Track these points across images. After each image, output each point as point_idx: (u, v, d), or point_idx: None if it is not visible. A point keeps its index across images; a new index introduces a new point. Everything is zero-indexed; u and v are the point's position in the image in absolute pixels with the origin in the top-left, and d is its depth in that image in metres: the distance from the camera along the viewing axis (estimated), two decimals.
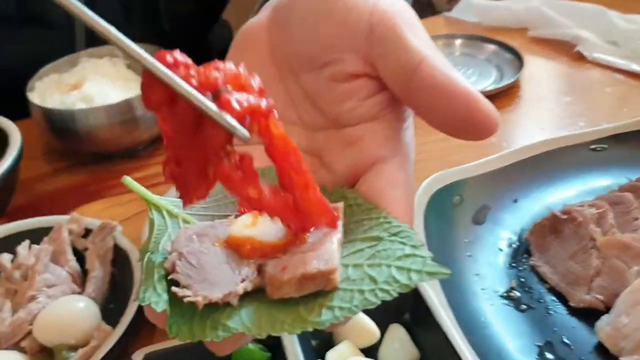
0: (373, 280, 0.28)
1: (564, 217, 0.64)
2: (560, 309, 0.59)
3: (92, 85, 0.83)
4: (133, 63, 0.25)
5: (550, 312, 0.59)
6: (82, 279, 0.61)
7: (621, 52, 0.98)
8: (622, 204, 0.64)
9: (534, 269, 0.63)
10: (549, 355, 0.54)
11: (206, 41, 1.14)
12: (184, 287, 0.30)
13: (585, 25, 1.04)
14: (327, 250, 0.29)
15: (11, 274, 0.58)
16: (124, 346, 0.53)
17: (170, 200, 0.37)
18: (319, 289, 0.29)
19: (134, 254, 0.60)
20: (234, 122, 0.25)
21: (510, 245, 0.66)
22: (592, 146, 0.75)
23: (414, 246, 0.29)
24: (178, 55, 0.25)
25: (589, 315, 0.57)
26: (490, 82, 0.95)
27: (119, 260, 0.61)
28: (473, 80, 0.96)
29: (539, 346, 0.55)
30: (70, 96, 0.82)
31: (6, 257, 0.61)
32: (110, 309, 0.59)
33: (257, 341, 0.52)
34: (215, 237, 0.32)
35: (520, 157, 0.73)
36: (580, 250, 0.61)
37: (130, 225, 0.67)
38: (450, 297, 0.58)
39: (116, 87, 0.84)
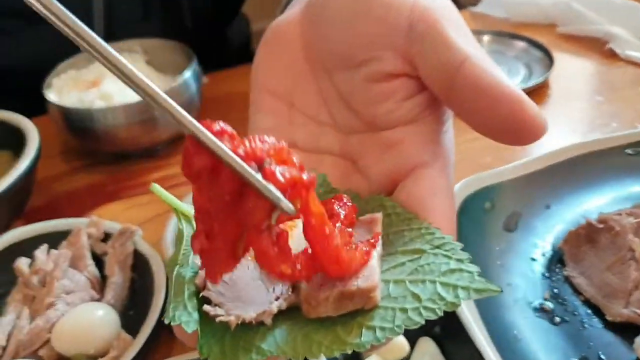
0: (417, 297, 0.26)
1: (601, 226, 0.61)
2: (596, 323, 0.56)
3: (111, 82, 0.82)
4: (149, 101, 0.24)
5: (586, 325, 0.56)
6: (101, 284, 0.59)
7: None
8: None
9: (568, 280, 0.60)
10: None
11: (225, 36, 1.12)
12: (215, 305, 0.29)
13: (617, 21, 1.00)
14: (367, 267, 0.28)
15: (29, 279, 0.57)
16: (144, 357, 0.52)
17: None
18: (358, 308, 0.27)
19: (154, 259, 0.59)
20: (278, 194, 0.25)
21: (543, 254, 0.63)
22: (628, 150, 0.72)
23: (459, 260, 0.28)
24: (223, 124, 0.25)
25: (626, 330, 0.54)
26: (518, 81, 0.92)
27: (139, 265, 0.59)
28: None
29: None
30: (89, 94, 0.81)
31: (24, 262, 0.59)
32: (130, 315, 0.57)
33: None
34: None
35: (553, 161, 0.70)
36: (618, 262, 0.59)
37: (150, 228, 0.65)
38: (482, 309, 0.56)
39: None
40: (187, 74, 0.80)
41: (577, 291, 0.59)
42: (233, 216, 0.25)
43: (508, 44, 1.00)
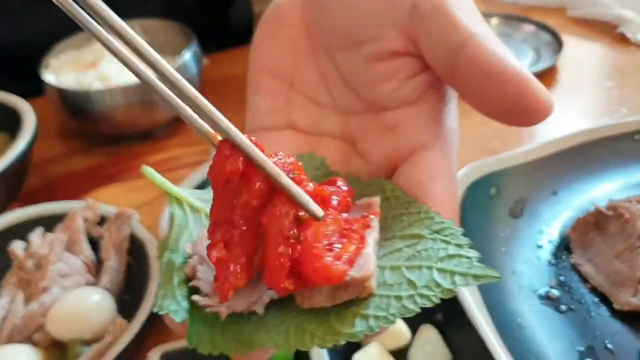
0: (412, 285, 0.25)
1: (610, 213, 0.59)
2: (603, 312, 0.55)
3: (110, 63, 0.80)
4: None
5: (592, 314, 0.55)
6: (97, 268, 0.58)
7: None
8: None
9: (575, 268, 0.59)
10: None
11: (226, 17, 1.10)
12: (205, 295, 0.28)
13: (628, 4, 0.98)
14: (362, 254, 0.26)
15: (24, 263, 0.56)
16: (139, 342, 0.51)
17: (193, 192, 0.34)
18: (352, 298, 0.26)
19: (150, 244, 0.58)
20: (309, 198, 0.26)
21: (549, 241, 0.62)
22: (638, 136, 0.70)
23: (458, 245, 0.26)
24: (253, 137, 0.26)
25: (634, 319, 0.53)
26: (526, 65, 0.90)
27: (136, 249, 0.58)
28: None
29: (579, 351, 0.51)
30: (87, 75, 0.79)
31: (19, 245, 0.58)
32: (126, 300, 0.56)
33: None
34: None
35: (561, 147, 0.68)
36: (627, 249, 0.57)
37: (147, 212, 0.64)
38: (486, 296, 0.54)
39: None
40: (187, 55, 0.79)
41: (584, 279, 0.58)
42: (254, 226, 0.25)
43: (516, 27, 0.98)
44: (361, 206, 0.30)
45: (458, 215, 0.31)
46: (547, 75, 0.88)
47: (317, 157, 0.34)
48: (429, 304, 0.25)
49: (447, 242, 0.27)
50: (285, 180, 0.25)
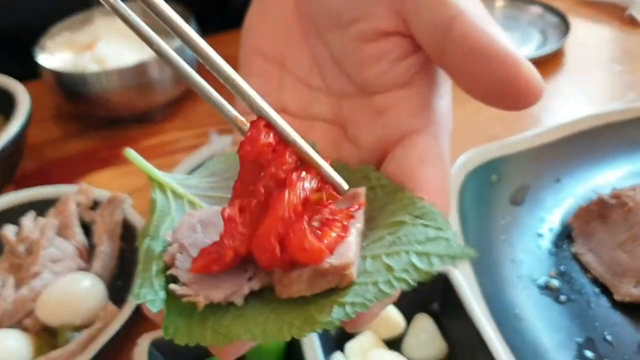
0: (389, 269, 0.25)
1: (613, 201, 0.58)
2: (604, 303, 0.54)
3: (107, 45, 0.79)
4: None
5: (592, 305, 0.54)
6: (89, 253, 0.57)
7: None
8: None
9: (576, 257, 0.58)
10: (588, 354, 0.50)
11: None
12: (183, 284, 0.27)
13: None
14: (344, 243, 0.26)
15: (15, 247, 0.55)
16: (130, 328, 0.50)
17: (176, 177, 0.33)
18: (332, 286, 0.25)
19: None
20: (334, 172, 0.28)
21: (550, 230, 0.60)
22: None
23: (437, 228, 0.26)
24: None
25: (635, 311, 0.52)
26: (532, 48, 0.88)
27: (128, 235, 0.58)
28: None
29: (578, 343, 0.51)
30: (83, 57, 0.78)
31: (11, 230, 0.58)
32: (118, 285, 0.56)
33: None
34: (222, 226, 0.28)
35: (565, 133, 0.67)
36: (630, 239, 0.56)
37: (141, 197, 0.63)
38: (483, 285, 0.53)
39: (132, 48, 0.79)
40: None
41: (585, 269, 0.57)
42: (270, 200, 0.26)
43: (522, 9, 0.96)
44: (347, 197, 0.29)
45: (450, 200, 0.30)
46: (553, 59, 0.86)
47: (307, 142, 0.33)
48: (405, 287, 0.24)
49: (427, 226, 0.26)
50: (314, 155, 0.27)
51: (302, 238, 0.25)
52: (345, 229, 0.26)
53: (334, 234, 0.26)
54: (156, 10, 0.25)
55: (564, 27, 0.89)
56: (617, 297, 0.53)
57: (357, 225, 0.27)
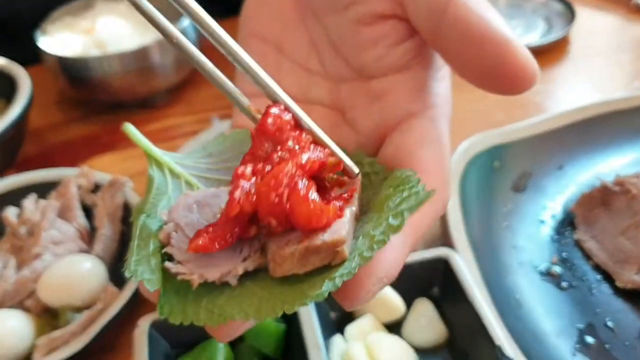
0: (372, 238, 0.25)
1: (616, 188, 0.57)
2: (605, 289, 0.54)
3: (108, 30, 0.79)
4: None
5: (594, 292, 0.54)
6: (90, 236, 0.57)
7: None
8: None
9: (578, 244, 0.57)
10: (589, 339, 0.49)
11: None
12: (178, 262, 0.27)
13: None
14: (337, 222, 0.26)
15: (17, 229, 0.55)
16: (130, 310, 0.50)
17: (173, 155, 0.33)
18: (325, 264, 0.25)
19: None
20: (344, 155, 0.29)
21: (552, 217, 0.60)
22: None
23: (411, 187, 0.27)
24: None
25: (636, 298, 0.52)
26: (536, 36, 0.87)
27: (129, 218, 0.57)
28: (517, 34, 0.87)
29: (579, 329, 0.50)
30: (84, 42, 0.78)
31: (12, 212, 0.58)
32: (119, 268, 0.55)
33: None
34: (218, 207, 0.28)
35: (568, 121, 0.66)
36: (633, 226, 0.55)
37: (142, 181, 0.62)
38: (484, 270, 0.53)
39: (133, 32, 0.79)
40: (186, 22, 0.77)
41: (587, 256, 0.56)
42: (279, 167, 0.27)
43: None
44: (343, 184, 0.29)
45: (449, 182, 0.30)
46: (558, 47, 0.85)
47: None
48: (382, 245, 0.25)
49: (403, 190, 0.27)
50: (327, 139, 0.28)
51: (308, 190, 0.25)
52: (341, 210, 0.26)
53: (332, 212, 0.26)
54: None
55: (570, 15, 0.88)
56: (619, 284, 0.53)
57: (351, 209, 0.27)
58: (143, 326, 0.46)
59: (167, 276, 0.26)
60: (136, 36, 0.78)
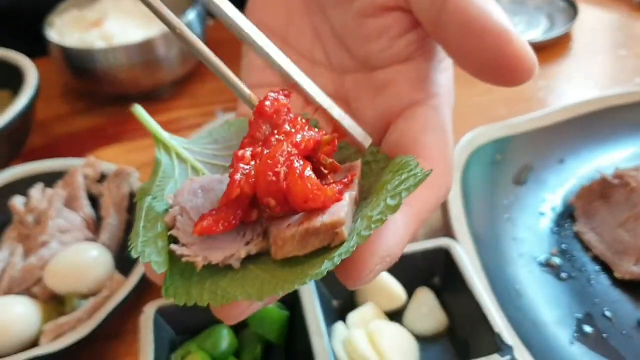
0: (369, 218, 0.26)
1: (616, 181, 0.58)
2: (604, 280, 0.54)
3: (114, 22, 0.80)
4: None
5: (592, 282, 0.54)
6: (96, 225, 0.58)
7: None
8: None
9: (577, 236, 0.58)
10: (587, 329, 0.50)
11: None
12: (183, 245, 0.28)
13: None
14: (336, 205, 0.27)
15: (24, 217, 0.56)
16: (136, 297, 0.51)
17: (182, 140, 0.34)
18: (325, 245, 0.26)
19: None
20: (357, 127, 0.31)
21: (552, 209, 0.61)
22: None
23: (409, 170, 0.27)
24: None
25: (634, 288, 0.53)
26: (539, 32, 0.88)
27: (135, 207, 0.58)
28: (519, 30, 0.88)
29: (577, 318, 0.51)
30: (90, 34, 0.78)
31: (19, 200, 0.59)
32: (125, 257, 0.56)
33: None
34: (222, 193, 0.29)
35: (570, 115, 0.67)
36: (631, 218, 0.56)
37: (148, 172, 0.63)
38: (485, 261, 0.54)
39: (138, 25, 0.80)
40: (191, 15, 0.78)
41: (586, 247, 0.57)
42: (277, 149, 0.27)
43: None
44: (343, 169, 0.30)
45: (452, 168, 0.31)
46: (560, 43, 0.85)
47: (310, 119, 0.34)
48: (380, 224, 0.25)
49: (402, 173, 0.27)
50: (338, 111, 0.30)
51: (304, 169, 0.26)
52: (340, 193, 0.27)
53: (329, 194, 0.27)
54: None
55: (572, 11, 0.89)
56: (617, 275, 0.54)
57: (350, 193, 0.28)
58: (148, 312, 0.47)
59: (172, 258, 0.27)
60: (142, 29, 0.79)
